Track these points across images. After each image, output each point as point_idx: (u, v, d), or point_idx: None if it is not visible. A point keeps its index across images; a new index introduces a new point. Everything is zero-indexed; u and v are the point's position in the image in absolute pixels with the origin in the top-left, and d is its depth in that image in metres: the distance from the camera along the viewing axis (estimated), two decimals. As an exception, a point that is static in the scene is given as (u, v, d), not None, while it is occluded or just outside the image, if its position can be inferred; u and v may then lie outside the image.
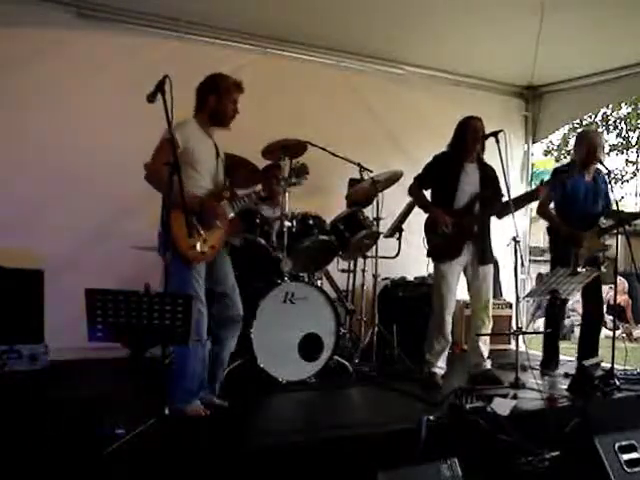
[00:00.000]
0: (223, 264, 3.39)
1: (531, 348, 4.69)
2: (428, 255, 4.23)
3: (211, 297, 3.35)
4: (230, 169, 3.58)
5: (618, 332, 7.81)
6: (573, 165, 4.63)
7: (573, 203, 4.55)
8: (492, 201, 4.17)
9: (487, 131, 4.11)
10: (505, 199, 4.13)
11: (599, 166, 4.65)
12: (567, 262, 4.31)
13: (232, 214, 3.38)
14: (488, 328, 4.21)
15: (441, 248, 4.11)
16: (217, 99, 3.30)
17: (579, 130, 15.54)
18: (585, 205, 4.59)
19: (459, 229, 4.08)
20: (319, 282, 4.59)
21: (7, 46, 4.19)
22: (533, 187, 5.79)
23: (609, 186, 4.69)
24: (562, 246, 4.53)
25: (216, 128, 3.40)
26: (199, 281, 3.19)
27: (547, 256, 4.93)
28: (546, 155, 15.46)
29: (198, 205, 3.14)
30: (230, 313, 3.37)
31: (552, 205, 4.65)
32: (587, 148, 4.56)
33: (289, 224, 4.05)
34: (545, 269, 5.04)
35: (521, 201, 4.29)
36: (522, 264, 4.44)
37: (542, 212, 4.65)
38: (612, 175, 6.03)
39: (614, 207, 4.66)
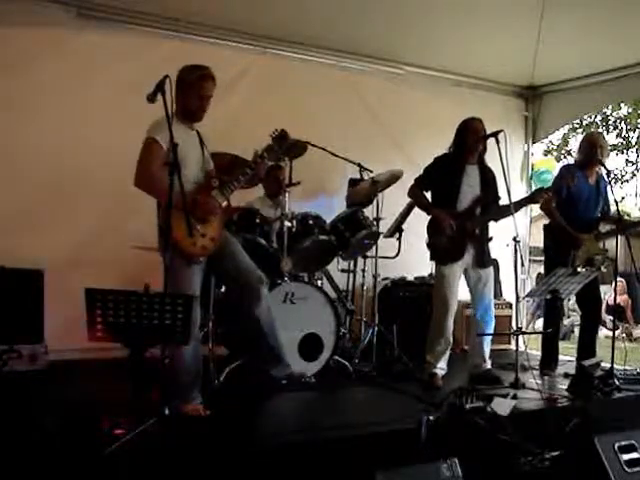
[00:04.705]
0: (226, 245, 3.37)
1: (531, 348, 4.69)
2: (431, 258, 4.22)
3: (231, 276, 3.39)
4: (226, 168, 3.57)
5: (618, 332, 7.81)
6: (576, 166, 4.63)
7: (576, 204, 4.54)
8: (492, 204, 4.18)
9: (487, 131, 4.11)
10: (503, 202, 4.16)
11: (601, 168, 4.64)
12: (564, 263, 4.30)
13: (225, 202, 3.37)
14: (491, 328, 4.22)
15: (444, 250, 4.10)
16: (181, 95, 3.18)
17: (579, 130, 15.63)
18: (587, 207, 4.59)
19: (462, 231, 4.08)
20: (319, 282, 4.59)
21: (7, 46, 4.19)
22: (533, 188, 5.81)
23: (609, 188, 4.69)
24: (560, 246, 4.52)
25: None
26: (197, 278, 3.21)
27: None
28: (546, 155, 15.47)
29: (191, 203, 3.12)
30: (251, 282, 3.37)
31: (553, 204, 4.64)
32: (588, 148, 4.57)
33: (289, 224, 4.06)
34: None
35: (520, 205, 4.28)
36: (522, 264, 4.44)
37: (547, 209, 4.59)
38: (612, 175, 6.02)
39: (613, 210, 4.65)
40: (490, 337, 4.26)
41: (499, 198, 4.25)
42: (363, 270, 4.93)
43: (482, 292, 4.19)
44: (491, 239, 4.24)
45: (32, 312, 4.04)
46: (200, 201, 3.19)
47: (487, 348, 4.24)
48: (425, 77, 5.90)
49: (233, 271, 3.38)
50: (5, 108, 4.21)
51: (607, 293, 8.07)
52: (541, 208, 4.70)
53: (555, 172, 5.65)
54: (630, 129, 16.21)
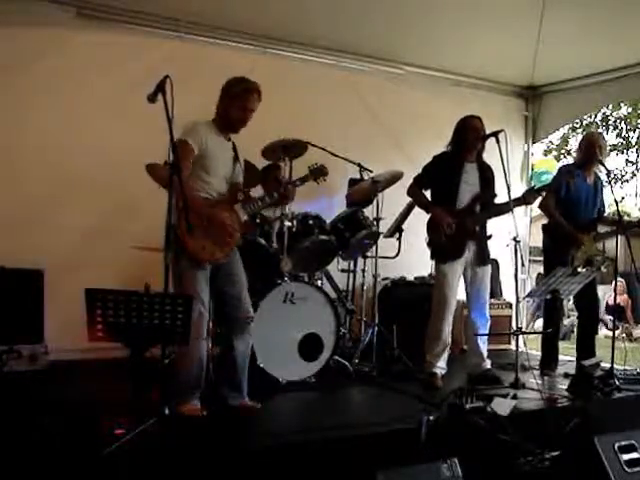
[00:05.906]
0: (233, 266, 3.35)
1: (531, 348, 4.70)
2: (432, 256, 4.22)
3: (222, 299, 3.34)
4: None
5: (618, 332, 7.81)
6: (575, 166, 4.64)
7: (574, 204, 4.55)
8: (491, 202, 4.19)
9: (487, 131, 4.11)
10: (497, 201, 4.19)
11: (600, 168, 4.64)
12: (563, 262, 4.29)
13: (245, 217, 3.37)
14: (486, 327, 4.22)
15: (444, 248, 4.10)
16: (225, 104, 3.28)
17: (579, 130, 15.63)
18: (586, 208, 4.60)
19: (461, 229, 4.08)
20: (319, 282, 4.59)
21: (7, 46, 4.19)
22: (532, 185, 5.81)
23: (609, 188, 4.69)
24: (559, 246, 4.52)
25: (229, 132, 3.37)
26: (204, 282, 3.18)
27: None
28: (546, 155, 15.48)
29: (206, 214, 3.13)
30: (238, 315, 3.34)
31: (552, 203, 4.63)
32: (587, 148, 4.57)
33: (289, 224, 4.05)
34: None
35: (512, 206, 4.26)
36: (522, 264, 4.43)
37: (546, 208, 4.59)
38: (612, 175, 6.03)
39: (609, 210, 4.65)
40: (486, 336, 4.26)
41: (495, 196, 4.25)
42: (363, 270, 4.93)
43: (478, 291, 4.19)
44: (490, 237, 4.24)
45: (32, 312, 4.05)
46: (216, 219, 3.16)
47: (484, 347, 4.24)
48: (425, 77, 5.90)
49: (227, 296, 3.32)
50: (5, 108, 4.22)
51: (607, 293, 8.08)
52: (540, 207, 4.71)
53: (554, 172, 5.66)
54: (630, 129, 16.20)
